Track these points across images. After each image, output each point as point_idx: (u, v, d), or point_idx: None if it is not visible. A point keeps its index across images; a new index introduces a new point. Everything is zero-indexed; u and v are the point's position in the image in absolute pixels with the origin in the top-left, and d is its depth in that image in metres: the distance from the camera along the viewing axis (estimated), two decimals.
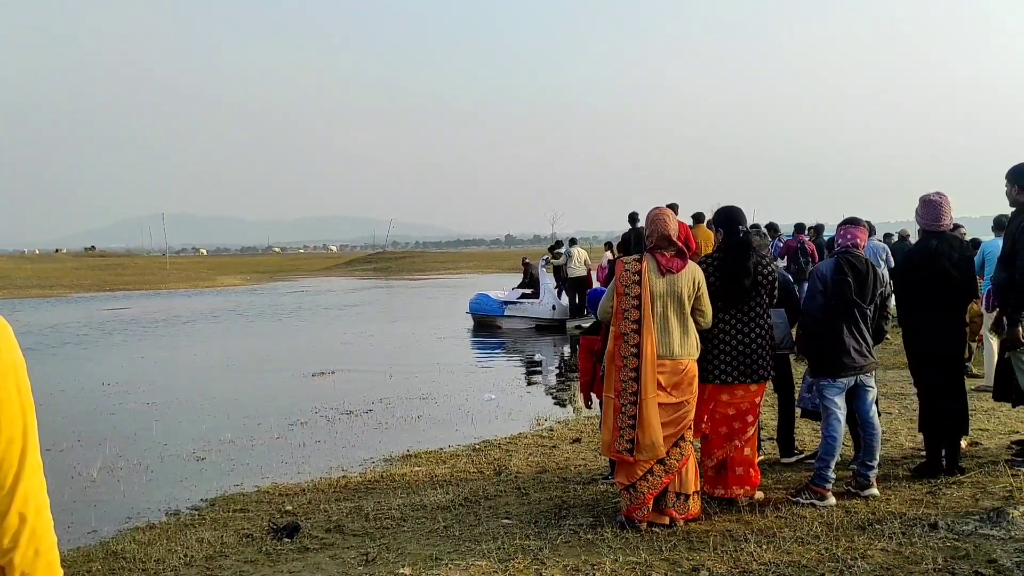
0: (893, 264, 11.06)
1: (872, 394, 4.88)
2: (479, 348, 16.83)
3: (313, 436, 8.59)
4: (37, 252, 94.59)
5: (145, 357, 16.23)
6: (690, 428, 4.52)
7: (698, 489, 4.56)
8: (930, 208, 5.08)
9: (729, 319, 4.72)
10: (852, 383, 4.80)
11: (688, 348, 4.44)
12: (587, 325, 5.88)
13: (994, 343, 7.21)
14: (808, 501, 4.64)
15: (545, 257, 19.60)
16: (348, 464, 7.29)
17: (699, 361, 4.55)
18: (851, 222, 4.94)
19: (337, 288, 41.84)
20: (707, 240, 8.67)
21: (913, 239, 9.73)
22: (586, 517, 4.73)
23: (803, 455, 5.74)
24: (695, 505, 4.51)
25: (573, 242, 19.96)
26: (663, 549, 4.05)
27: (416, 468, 6.80)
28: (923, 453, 5.25)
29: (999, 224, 7.80)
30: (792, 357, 5.79)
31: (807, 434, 6.37)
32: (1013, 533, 3.88)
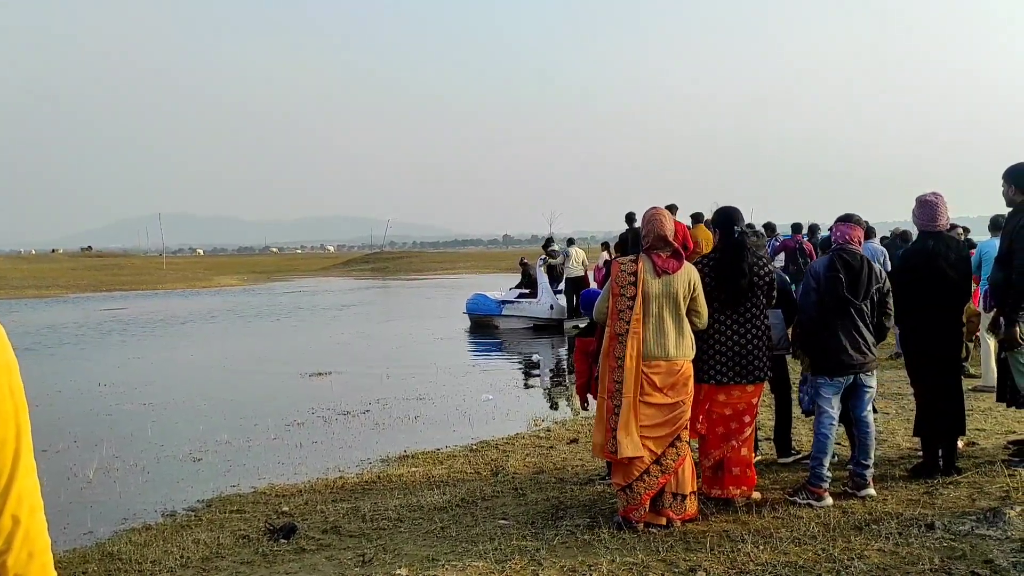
0: (890, 268, 11.05)
1: (871, 394, 4.87)
2: (476, 348, 16.83)
3: (310, 437, 8.59)
4: (33, 252, 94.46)
5: (142, 358, 16.20)
6: (686, 428, 4.52)
7: (695, 489, 4.56)
8: (926, 208, 5.08)
9: (725, 319, 4.72)
10: (850, 382, 4.79)
11: (683, 349, 4.44)
12: (584, 325, 5.88)
13: (991, 343, 7.22)
14: (805, 501, 4.64)
15: (543, 257, 19.61)
16: (345, 465, 7.28)
17: (695, 361, 4.55)
18: (845, 219, 4.94)
19: (334, 288, 41.80)
20: (707, 240, 8.66)
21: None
22: (583, 518, 4.73)
23: (800, 455, 5.74)
24: (692, 505, 4.51)
25: (571, 242, 19.95)
26: (660, 550, 4.04)
27: (413, 469, 6.80)
28: (920, 453, 5.25)
29: (996, 224, 7.81)
30: (788, 357, 5.79)
31: (804, 434, 6.37)
32: (1009, 533, 3.88)
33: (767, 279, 4.80)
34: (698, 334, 4.59)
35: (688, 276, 4.49)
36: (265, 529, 5.18)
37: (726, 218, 4.86)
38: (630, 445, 4.33)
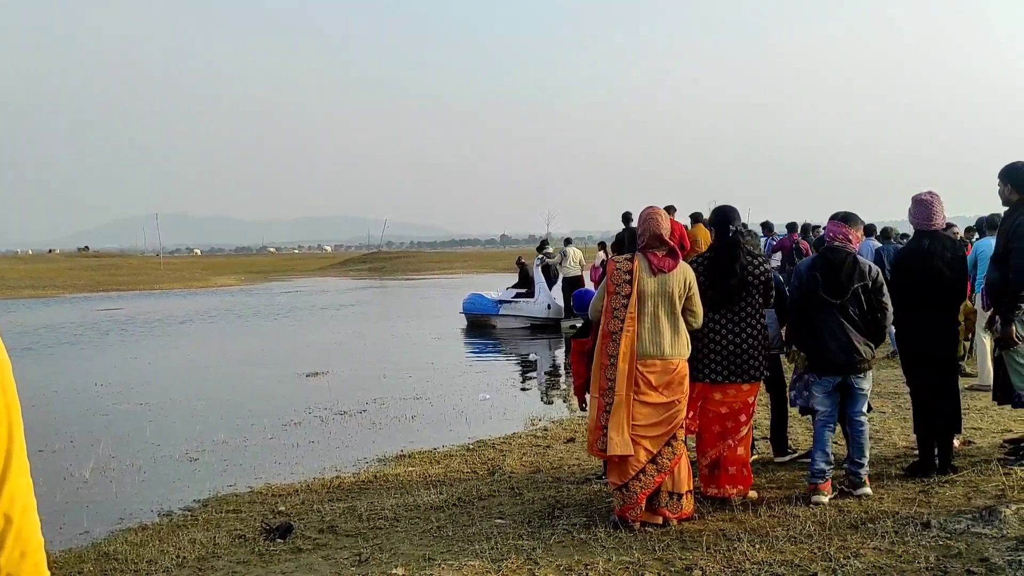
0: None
1: (863, 397, 4.81)
2: (473, 348, 16.82)
3: (307, 436, 8.58)
4: (30, 252, 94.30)
5: (139, 358, 16.18)
6: (682, 427, 4.52)
7: (691, 488, 4.57)
8: (922, 208, 5.08)
9: (720, 319, 4.72)
10: (840, 381, 4.77)
11: (679, 348, 4.45)
12: (579, 326, 5.88)
13: (987, 342, 7.24)
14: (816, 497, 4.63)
15: (540, 256, 19.60)
16: (342, 464, 7.28)
17: (690, 360, 4.55)
18: (835, 218, 4.93)
19: (331, 288, 41.78)
20: (705, 240, 8.67)
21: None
22: (580, 517, 4.73)
23: (797, 454, 5.75)
24: (688, 504, 4.51)
25: (568, 242, 19.95)
26: (656, 549, 4.05)
27: (410, 468, 6.79)
28: (916, 452, 5.26)
29: (991, 223, 7.82)
30: (783, 356, 5.79)
31: (800, 433, 6.39)
32: (1005, 532, 3.89)
33: (762, 278, 4.80)
34: (693, 333, 4.59)
35: (684, 275, 4.50)
36: (261, 529, 5.17)
37: (722, 217, 4.87)
38: (620, 443, 4.33)
